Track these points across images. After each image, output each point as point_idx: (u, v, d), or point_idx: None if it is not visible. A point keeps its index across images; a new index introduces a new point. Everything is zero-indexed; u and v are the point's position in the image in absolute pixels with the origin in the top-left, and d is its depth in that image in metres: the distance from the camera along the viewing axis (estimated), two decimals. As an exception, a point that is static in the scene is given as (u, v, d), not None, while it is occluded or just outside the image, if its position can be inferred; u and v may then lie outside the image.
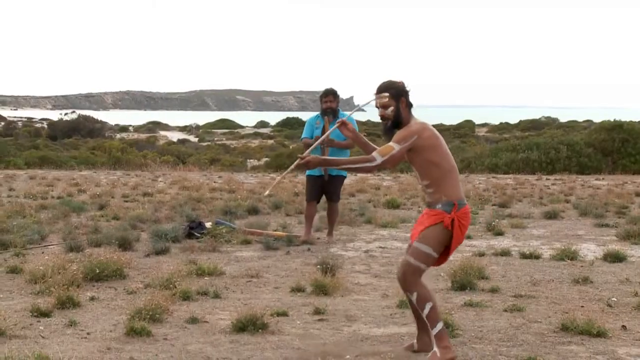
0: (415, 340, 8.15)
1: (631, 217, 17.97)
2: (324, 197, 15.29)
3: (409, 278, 7.80)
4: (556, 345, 8.43)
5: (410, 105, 8.24)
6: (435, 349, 7.54)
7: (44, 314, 9.60)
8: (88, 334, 8.88)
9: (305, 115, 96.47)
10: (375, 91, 8.29)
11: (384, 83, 8.20)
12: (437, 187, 8.10)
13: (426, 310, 7.66)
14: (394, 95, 8.08)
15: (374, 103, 8.17)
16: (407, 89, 8.17)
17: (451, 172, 8.20)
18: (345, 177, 15.48)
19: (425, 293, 7.78)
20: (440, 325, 7.69)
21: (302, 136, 15.59)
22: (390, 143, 7.96)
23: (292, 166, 8.37)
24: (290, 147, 47.36)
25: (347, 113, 14.67)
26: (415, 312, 8.07)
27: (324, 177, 14.88)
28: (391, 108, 8.12)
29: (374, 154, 8.06)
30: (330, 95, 14.92)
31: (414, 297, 7.76)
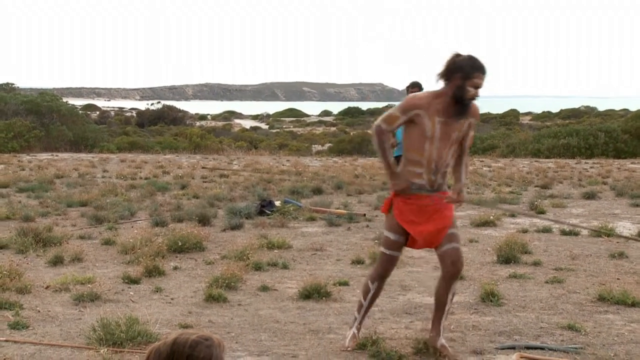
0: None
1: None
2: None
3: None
4: (593, 314, 8.38)
5: None
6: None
7: (134, 281, 9.76)
8: (172, 299, 9.00)
9: (365, 105, 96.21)
10: (482, 72, 6.92)
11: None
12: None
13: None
14: None
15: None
16: None
17: None
18: None
19: None
20: None
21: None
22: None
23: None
24: (351, 133, 47.16)
25: None
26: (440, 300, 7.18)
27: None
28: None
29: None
30: (416, 86, 14.78)
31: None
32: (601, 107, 73.38)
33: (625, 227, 14.09)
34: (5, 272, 9.56)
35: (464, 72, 6.67)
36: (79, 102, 61.23)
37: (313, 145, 41.66)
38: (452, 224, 7.02)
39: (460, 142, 7.10)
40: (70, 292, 9.12)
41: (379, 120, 7.11)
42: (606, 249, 12.02)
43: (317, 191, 19.20)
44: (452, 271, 6.87)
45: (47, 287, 9.43)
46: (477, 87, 6.84)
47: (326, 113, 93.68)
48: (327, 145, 41.63)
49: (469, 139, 7.18)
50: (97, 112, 61.51)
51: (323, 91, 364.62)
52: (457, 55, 6.90)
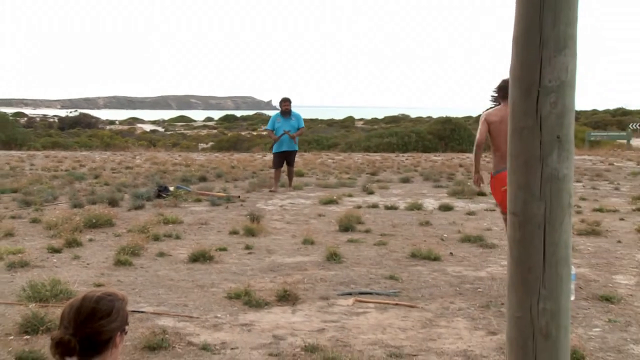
0: None
1: (457, 181, 18.31)
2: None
3: None
4: (408, 267, 8.62)
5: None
6: None
7: (57, 250, 9.50)
8: (88, 264, 8.81)
9: (239, 113, 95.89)
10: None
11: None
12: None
13: None
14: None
15: None
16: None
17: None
18: (297, 151, 16.93)
19: None
20: None
21: (266, 127, 17.35)
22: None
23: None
24: (229, 134, 46.93)
25: (297, 112, 16.48)
26: None
27: (285, 152, 16.35)
28: None
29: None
30: (287, 101, 16.45)
31: None
32: (413, 115, 74.97)
33: (430, 203, 14.48)
34: (-49, 245, 9.25)
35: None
36: (9, 110, 58.94)
37: (199, 144, 41.22)
38: None
39: None
40: (3, 261, 8.84)
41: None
42: (417, 218, 12.34)
43: (203, 179, 19.07)
44: None
45: (-14, 257, 9.12)
46: None
47: (209, 119, 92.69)
48: (210, 143, 41.29)
49: None
50: (25, 118, 59.37)
51: (206, 102, 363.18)
52: (506, 80, 7.64)
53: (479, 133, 8.40)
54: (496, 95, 8.72)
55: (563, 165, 2.80)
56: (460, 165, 24.33)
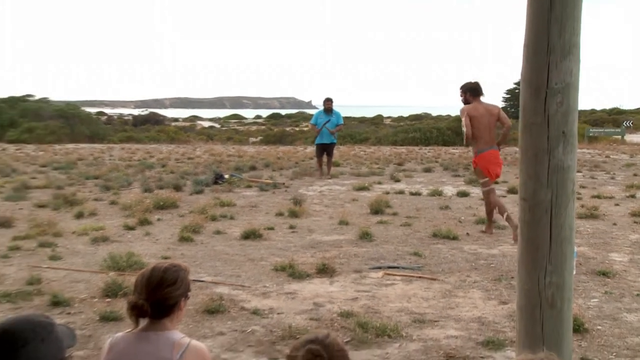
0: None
1: (472, 171, 18.08)
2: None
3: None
4: (430, 245, 8.56)
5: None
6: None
7: (131, 228, 9.61)
8: (156, 240, 8.89)
9: (283, 112, 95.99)
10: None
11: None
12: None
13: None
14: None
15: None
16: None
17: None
18: (335, 144, 16.99)
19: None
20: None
21: (311, 122, 17.47)
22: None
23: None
24: (275, 130, 47.00)
25: (338, 110, 16.53)
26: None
27: (325, 144, 16.47)
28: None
29: (463, 128, 9.03)
30: (329, 100, 16.55)
31: None
32: (434, 113, 74.47)
33: (449, 190, 14.37)
34: (45, 223, 9.41)
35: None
36: (92, 109, 59.69)
37: (250, 138, 41.36)
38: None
39: None
40: (88, 236, 8.97)
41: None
42: (437, 203, 12.25)
43: (253, 168, 19.11)
44: None
45: (73, 233, 9.26)
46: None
47: (258, 117, 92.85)
48: (259, 137, 41.38)
49: None
50: (105, 117, 59.99)
51: (256, 102, 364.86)
52: (474, 82, 9.15)
53: (466, 126, 9.00)
54: (465, 95, 9.23)
55: (568, 157, 2.76)
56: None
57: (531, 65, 2.77)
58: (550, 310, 2.74)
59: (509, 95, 60.75)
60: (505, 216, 9.06)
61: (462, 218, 10.69)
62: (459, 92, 9.36)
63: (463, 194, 13.53)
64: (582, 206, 11.17)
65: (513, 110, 55.11)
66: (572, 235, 2.81)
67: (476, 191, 14.08)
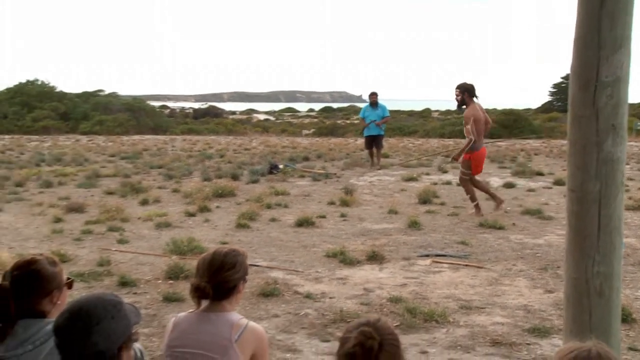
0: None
1: (518, 163, 17.81)
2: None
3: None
4: (476, 234, 8.44)
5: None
6: None
7: (191, 215, 9.75)
8: (215, 226, 9.01)
9: (335, 105, 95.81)
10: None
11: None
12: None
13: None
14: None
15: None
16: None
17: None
18: (383, 135, 16.92)
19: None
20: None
21: (359, 115, 17.96)
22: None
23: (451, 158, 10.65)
24: (327, 123, 46.92)
25: (383, 103, 16.57)
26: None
27: (372, 136, 16.41)
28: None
29: (469, 136, 9.42)
30: (374, 94, 16.69)
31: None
32: (485, 107, 73.44)
33: (495, 181, 14.14)
34: (114, 209, 9.62)
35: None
36: (156, 103, 60.71)
37: (303, 130, 41.48)
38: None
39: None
40: (152, 221, 9.14)
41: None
42: (484, 194, 12.04)
43: (306, 159, 19.17)
44: None
45: (139, 218, 9.45)
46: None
47: (311, 110, 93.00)
48: (312, 130, 41.45)
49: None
50: (168, 110, 60.87)
51: (309, 96, 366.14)
52: (469, 83, 9.42)
53: (472, 134, 9.44)
54: (462, 95, 9.48)
55: (617, 149, 2.69)
56: (522, 150, 23.63)
57: (581, 59, 2.69)
58: (599, 298, 2.66)
59: (555, 90, 59.36)
60: (475, 202, 9.82)
61: (508, 209, 10.49)
62: (455, 90, 9.58)
63: (509, 185, 13.30)
64: (630, 198, 10.84)
65: (560, 104, 53.83)
66: (620, 225, 2.73)
67: (522, 182, 13.84)
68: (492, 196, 10.23)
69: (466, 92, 9.46)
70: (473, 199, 9.85)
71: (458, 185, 13.36)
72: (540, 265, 6.89)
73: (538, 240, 8.15)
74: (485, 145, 9.90)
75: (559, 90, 57.59)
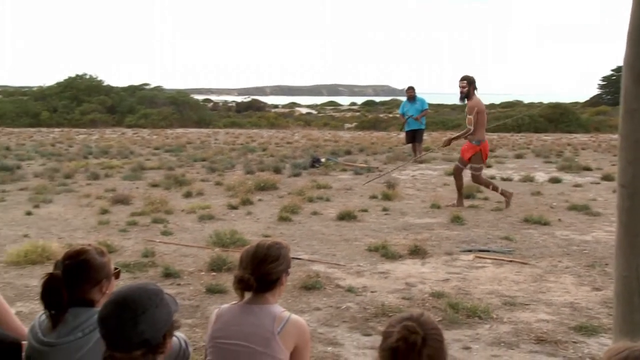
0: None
1: (564, 158, 17.46)
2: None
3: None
4: (521, 230, 8.31)
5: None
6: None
7: (234, 207, 9.83)
8: (258, 219, 9.06)
9: (377, 99, 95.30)
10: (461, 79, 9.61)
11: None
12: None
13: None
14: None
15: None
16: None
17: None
18: (423, 129, 16.82)
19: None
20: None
21: (399, 111, 17.84)
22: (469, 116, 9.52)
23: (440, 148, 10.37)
24: (369, 116, 46.71)
25: (422, 97, 16.59)
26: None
27: (412, 130, 16.36)
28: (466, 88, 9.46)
29: (469, 126, 9.56)
30: (410, 89, 16.54)
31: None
32: (526, 100, 72.02)
33: (540, 176, 13.90)
34: (158, 201, 9.76)
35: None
36: (199, 97, 61.31)
37: (345, 124, 41.39)
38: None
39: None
40: (196, 214, 9.24)
41: None
42: (529, 189, 11.88)
43: (348, 152, 19.16)
44: None
45: (182, 210, 9.57)
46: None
47: (353, 104, 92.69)
48: (354, 123, 41.32)
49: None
50: (211, 103, 61.42)
51: (351, 90, 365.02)
52: (470, 76, 9.52)
53: (481, 123, 9.63)
54: (468, 86, 9.58)
55: (671, 143, 2.60)
56: (569, 144, 23.18)
57: (635, 51, 2.61)
58: (650, 297, 2.59)
59: (604, 82, 57.92)
60: (499, 190, 9.90)
61: (554, 204, 10.30)
62: (461, 82, 9.66)
63: (555, 180, 13.05)
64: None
65: (609, 97, 52.50)
66: (673, 222, 2.64)
67: (568, 177, 13.57)
68: (493, 188, 10.18)
69: (472, 85, 9.66)
70: (496, 188, 9.98)
71: (503, 179, 13.24)
72: (588, 262, 6.74)
73: (585, 236, 7.98)
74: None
75: (609, 84, 56.17)
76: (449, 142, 10.79)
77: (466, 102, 9.82)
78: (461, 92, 9.69)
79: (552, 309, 5.27)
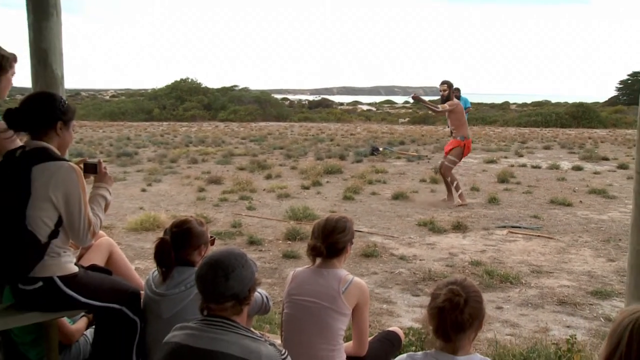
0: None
1: (586, 149, 16.77)
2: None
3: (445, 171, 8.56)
4: (547, 210, 8.08)
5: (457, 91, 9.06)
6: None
7: (306, 188, 9.91)
8: (326, 198, 9.11)
9: (427, 98, 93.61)
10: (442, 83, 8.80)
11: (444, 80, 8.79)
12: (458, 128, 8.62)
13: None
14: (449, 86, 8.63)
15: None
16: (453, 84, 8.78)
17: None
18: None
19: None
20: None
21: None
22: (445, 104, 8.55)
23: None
24: (420, 112, 46.00)
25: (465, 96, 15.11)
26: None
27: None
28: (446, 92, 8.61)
29: (440, 106, 8.64)
30: (456, 90, 15.07)
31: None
32: (553, 100, 69.48)
33: (565, 164, 13.42)
34: (244, 182, 9.93)
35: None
36: (278, 95, 61.77)
37: (399, 119, 40.91)
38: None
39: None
40: (275, 192, 9.36)
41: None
42: (555, 175, 11.49)
43: (402, 143, 18.98)
44: None
45: (264, 190, 9.71)
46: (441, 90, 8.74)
47: (407, 102, 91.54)
48: (407, 119, 40.79)
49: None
50: (288, 101, 61.82)
51: (405, 90, 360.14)
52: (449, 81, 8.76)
53: (461, 122, 8.67)
54: (449, 90, 8.73)
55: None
56: (589, 138, 22.23)
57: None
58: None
59: (621, 85, 55.22)
60: (459, 190, 8.56)
61: (576, 188, 9.95)
62: (442, 85, 8.77)
63: (578, 168, 12.58)
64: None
65: (625, 98, 50.15)
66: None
67: (589, 166, 13.07)
68: (456, 187, 8.69)
69: (453, 89, 8.90)
70: (458, 187, 8.60)
71: (533, 167, 12.85)
72: (604, 237, 6.50)
73: (602, 216, 7.69)
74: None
75: (625, 86, 53.67)
76: (419, 98, 9.52)
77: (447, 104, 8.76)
78: (442, 95, 8.97)
79: (573, 277, 5.13)
